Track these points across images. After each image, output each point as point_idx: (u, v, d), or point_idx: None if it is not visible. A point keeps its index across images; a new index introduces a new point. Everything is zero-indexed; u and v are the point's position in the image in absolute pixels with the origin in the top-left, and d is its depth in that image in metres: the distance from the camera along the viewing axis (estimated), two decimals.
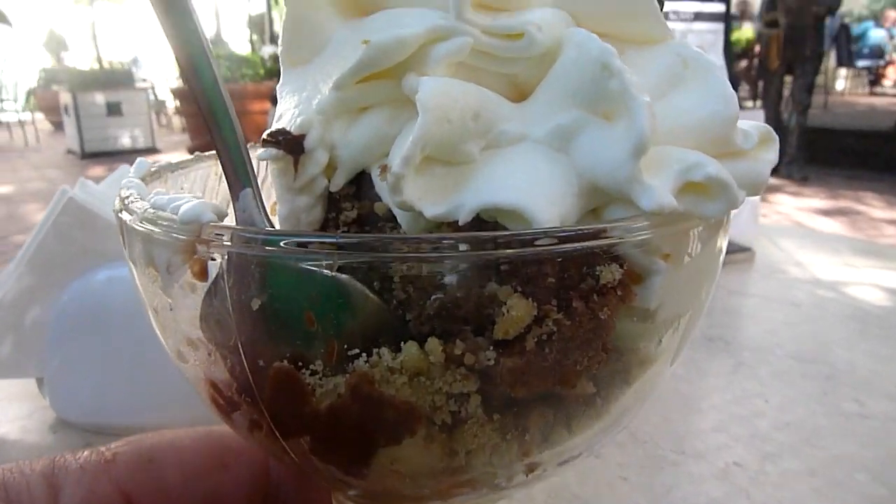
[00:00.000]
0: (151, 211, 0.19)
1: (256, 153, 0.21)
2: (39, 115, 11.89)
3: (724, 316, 0.81)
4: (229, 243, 0.18)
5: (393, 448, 0.19)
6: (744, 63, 9.50)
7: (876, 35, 11.04)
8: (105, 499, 0.23)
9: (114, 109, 8.41)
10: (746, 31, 9.20)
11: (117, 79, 8.79)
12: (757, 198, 1.06)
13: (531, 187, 0.18)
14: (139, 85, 9.45)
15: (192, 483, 0.24)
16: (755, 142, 0.21)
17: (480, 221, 0.18)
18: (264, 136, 0.21)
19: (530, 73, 0.21)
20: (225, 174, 0.20)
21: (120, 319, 0.54)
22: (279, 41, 0.22)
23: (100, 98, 8.33)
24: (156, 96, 11.49)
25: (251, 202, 0.20)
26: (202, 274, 0.19)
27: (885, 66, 11.22)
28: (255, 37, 12.99)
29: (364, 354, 0.17)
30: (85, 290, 0.55)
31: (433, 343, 0.17)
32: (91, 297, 0.55)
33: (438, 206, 0.18)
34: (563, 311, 0.17)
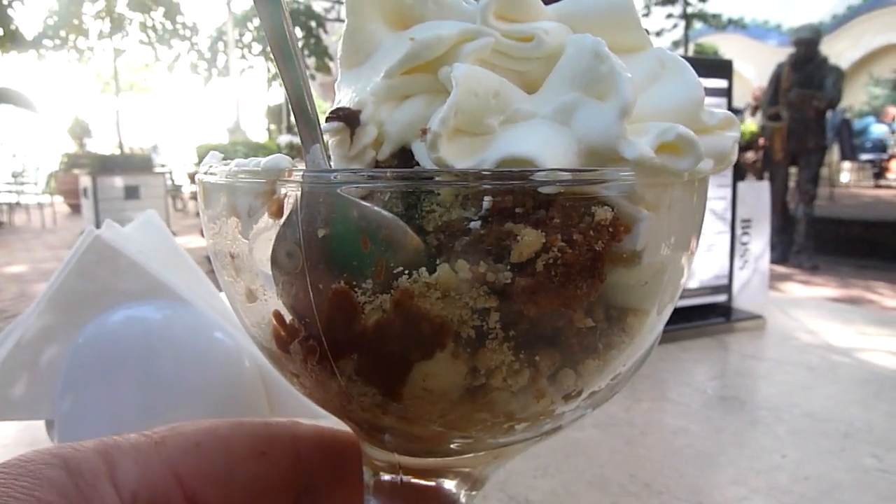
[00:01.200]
0: (236, 168, 0.24)
1: (322, 126, 0.26)
2: (59, 198, 12.20)
3: (738, 377, 0.80)
4: (303, 182, 0.22)
5: (425, 363, 0.22)
6: (749, 155, 9.70)
7: (878, 130, 11.27)
8: (159, 477, 0.24)
9: (131, 193, 8.61)
10: (751, 125, 9.45)
11: (137, 163, 9.05)
12: (766, 267, 1.07)
13: (542, 146, 0.22)
14: (157, 170, 9.71)
15: (236, 467, 0.26)
16: (719, 119, 0.25)
17: None
18: (328, 112, 0.25)
19: (539, 72, 0.25)
20: (299, 133, 0.24)
21: (134, 361, 0.54)
22: (338, 51, 0.27)
23: (119, 181, 8.55)
24: (173, 181, 11.79)
25: (319, 154, 0.24)
26: (278, 213, 0.22)
27: (888, 160, 11.40)
28: (272, 126, 13.41)
29: (406, 273, 0.21)
30: (101, 331, 0.55)
31: (462, 264, 0.21)
32: (106, 338, 0.55)
33: (467, 161, 0.22)
34: (566, 241, 0.21)
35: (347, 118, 0.24)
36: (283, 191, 0.22)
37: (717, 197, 1.00)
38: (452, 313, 0.21)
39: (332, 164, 0.25)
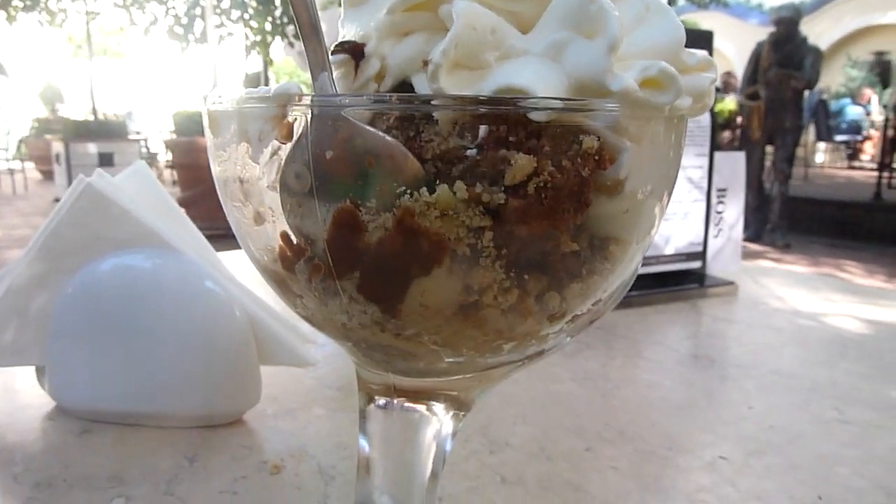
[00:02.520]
0: (246, 96, 0.25)
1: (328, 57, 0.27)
2: (30, 164, 11.95)
3: (709, 338, 0.83)
4: (312, 105, 0.23)
5: (423, 280, 0.23)
6: (727, 134, 9.78)
7: (853, 111, 11.41)
8: None
9: (106, 160, 8.47)
10: (729, 104, 9.51)
11: (111, 130, 8.88)
12: (739, 236, 1.10)
13: (535, 78, 0.24)
14: (132, 137, 9.54)
15: None
16: (698, 60, 0.27)
17: None
18: (334, 45, 0.26)
19: (531, 12, 0.26)
20: (308, 62, 0.26)
21: (124, 309, 0.55)
22: None
23: (92, 148, 8.41)
24: (148, 149, 11.59)
25: (327, 81, 0.26)
26: (288, 135, 0.24)
27: (862, 141, 11.56)
28: None
29: (408, 193, 0.22)
30: (90, 279, 0.56)
31: (460, 185, 0.22)
32: (96, 286, 0.56)
33: (464, 92, 0.24)
34: (555, 166, 0.23)
35: (352, 51, 0.26)
36: (293, 115, 0.23)
37: (694, 165, 1.02)
38: (450, 231, 0.22)
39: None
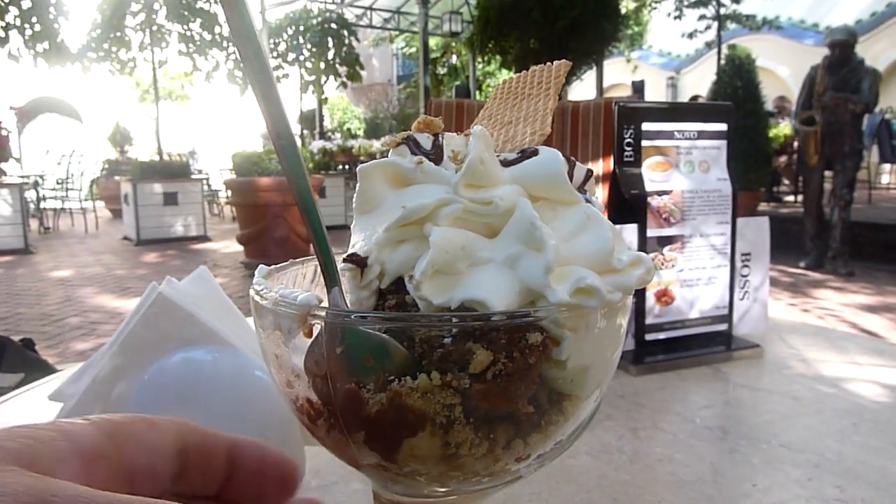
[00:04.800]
0: (280, 299, 0.33)
1: (339, 265, 0.34)
2: (100, 203, 12.59)
3: (727, 408, 0.88)
4: (327, 316, 0.31)
5: (412, 439, 0.31)
6: (783, 159, 9.60)
7: None
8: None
9: (170, 199, 8.89)
10: (784, 128, 9.36)
11: (175, 170, 9.31)
12: (766, 297, 1.13)
13: (493, 289, 0.31)
14: (195, 176, 9.97)
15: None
16: (626, 263, 0.33)
17: (464, 308, 0.31)
18: (343, 257, 0.34)
19: (498, 221, 0.34)
20: (324, 277, 0.34)
21: (189, 396, 0.64)
22: (354, 197, 0.36)
23: (158, 188, 8.83)
24: (209, 187, 12.08)
25: (338, 295, 0.34)
26: (309, 333, 0.32)
27: None
28: (305, 132, 13.64)
29: (397, 380, 0.30)
30: (162, 371, 0.66)
31: (435, 374, 0.29)
32: (167, 376, 0.66)
33: (441, 298, 0.31)
34: (508, 357, 0.29)
35: (358, 262, 0.33)
36: (312, 320, 0.31)
37: (716, 233, 1.07)
38: (429, 407, 0.30)
39: (346, 291, 0.34)
